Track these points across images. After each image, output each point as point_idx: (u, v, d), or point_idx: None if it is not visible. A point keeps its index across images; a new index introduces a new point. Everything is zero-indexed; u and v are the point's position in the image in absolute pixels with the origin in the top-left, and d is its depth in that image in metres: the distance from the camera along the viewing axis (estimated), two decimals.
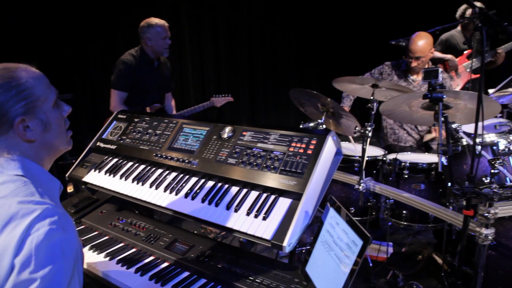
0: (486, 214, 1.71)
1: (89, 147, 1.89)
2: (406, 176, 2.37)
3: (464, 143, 2.23)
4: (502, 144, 2.04)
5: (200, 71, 5.32)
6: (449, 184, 1.96)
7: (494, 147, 2.08)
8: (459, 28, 3.95)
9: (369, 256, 2.73)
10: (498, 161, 1.69)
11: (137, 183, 1.57)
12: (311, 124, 2.39)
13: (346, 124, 2.53)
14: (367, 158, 2.49)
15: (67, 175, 1.84)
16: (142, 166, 1.65)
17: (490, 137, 2.11)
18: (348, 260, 1.03)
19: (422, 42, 2.83)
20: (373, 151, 2.70)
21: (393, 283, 2.44)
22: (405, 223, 2.45)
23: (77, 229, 1.63)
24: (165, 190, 1.48)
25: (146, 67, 2.97)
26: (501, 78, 3.49)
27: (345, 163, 2.59)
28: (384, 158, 2.52)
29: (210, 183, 1.45)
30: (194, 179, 1.49)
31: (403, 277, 2.41)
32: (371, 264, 2.67)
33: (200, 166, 1.49)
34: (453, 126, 1.93)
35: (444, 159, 2.20)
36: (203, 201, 1.38)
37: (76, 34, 4.10)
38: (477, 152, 2.04)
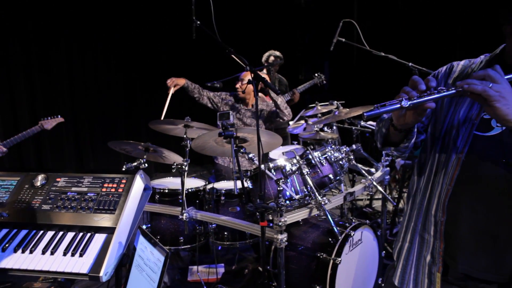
0: (279, 223, 2.18)
1: None
2: (223, 202, 2.74)
3: (263, 168, 2.75)
4: (288, 167, 2.61)
5: (14, 123, 4.86)
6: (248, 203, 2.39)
7: (284, 170, 2.63)
8: (265, 71, 4.74)
9: (202, 280, 2.99)
10: (281, 181, 2.19)
11: None
12: (135, 164, 2.57)
13: (169, 158, 2.80)
14: (189, 190, 2.79)
15: None
16: None
17: (280, 162, 2.67)
18: (155, 276, 1.23)
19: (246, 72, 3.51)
20: (195, 183, 3.01)
21: None
22: (227, 243, 2.79)
23: None
24: None
25: None
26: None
27: (170, 197, 2.82)
28: (204, 188, 2.85)
29: (23, 232, 1.47)
30: (4, 231, 1.47)
31: None
32: (205, 287, 2.93)
33: (11, 217, 1.49)
34: (250, 155, 2.40)
35: (249, 183, 2.67)
36: (15, 251, 1.39)
37: None
38: (272, 175, 2.56)
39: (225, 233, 2.75)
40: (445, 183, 1.25)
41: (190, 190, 2.80)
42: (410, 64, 3.04)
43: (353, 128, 3.95)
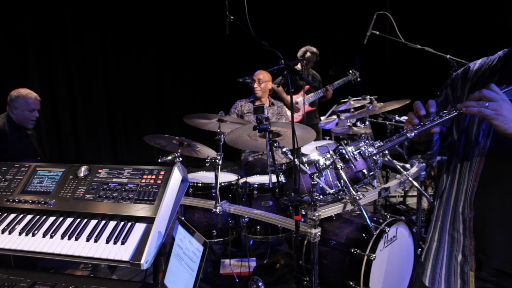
0: (312, 217, 2.17)
1: None
2: (256, 196, 2.75)
3: (297, 162, 2.74)
4: (321, 161, 2.59)
5: (54, 117, 5.09)
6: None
7: (317, 164, 2.61)
8: (299, 66, 4.71)
9: (235, 273, 3.03)
10: (315, 175, 2.17)
11: None
12: (169, 158, 2.63)
13: (203, 152, 2.84)
14: (222, 184, 2.82)
15: None
16: None
17: (313, 156, 2.65)
18: (194, 265, 1.26)
19: (263, 72, 3.59)
20: (227, 177, 3.04)
21: None
22: (260, 237, 2.81)
23: None
24: (20, 234, 1.50)
25: (15, 133, 2.97)
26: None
27: (204, 190, 2.87)
28: (237, 182, 2.88)
29: (69, 220, 1.53)
30: (52, 219, 1.55)
31: (264, 285, 2.75)
32: (237, 280, 2.96)
33: (57, 206, 1.57)
34: (284, 149, 2.39)
35: (282, 177, 2.67)
36: (62, 237, 1.45)
37: None
38: (305, 169, 2.55)
39: (258, 227, 2.76)
40: (470, 179, 1.27)
41: (223, 184, 2.83)
42: (448, 56, 2.94)
43: (387, 123, 3.86)
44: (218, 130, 2.60)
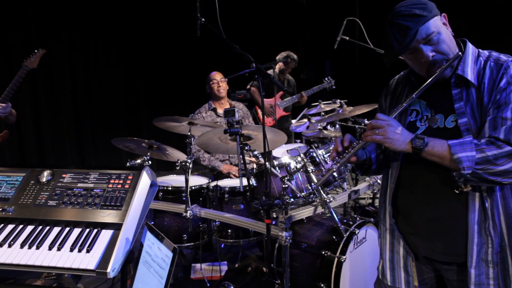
0: (283, 220, 2.17)
1: None
2: (227, 199, 2.73)
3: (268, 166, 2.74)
4: (292, 164, 2.60)
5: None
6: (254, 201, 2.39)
7: (288, 167, 2.62)
8: (277, 70, 4.70)
9: (205, 277, 2.99)
10: (286, 178, 2.18)
11: None
12: (138, 161, 2.57)
13: (174, 155, 2.79)
14: (192, 187, 2.78)
15: None
16: None
17: (284, 159, 2.66)
18: (163, 272, 1.23)
19: (217, 72, 3.55)
20: (198, 180, 3.01)
21: None
22: (231, 240, 2.79)
23: None
24: None
25: None
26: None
27: (174, 194, 2.82)
28: (208, 186, 2.85)
29: (30, 228, 1.46)
30: (10, 227, 1.47)
31: None
32: (208, 284, 2.92)
33: (17, 213, 1.49)
34: (255, 153, 2.39)
35: (253, 181, 2.66)
36: (22, 246, 1.38)
37: None
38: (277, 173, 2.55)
39: (229, 230, 2.74)
40: (391, 182, 1.50)
41: (193, 187, 2.79)
42: None
43: (357, 126, 3.94)
44: (189, 133, 2.57)
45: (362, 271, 2.52)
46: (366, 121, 4.08)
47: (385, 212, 1.55)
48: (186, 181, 2.48)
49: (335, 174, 2.89)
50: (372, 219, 2.61)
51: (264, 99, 4.52)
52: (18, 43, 4.86)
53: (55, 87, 5.27)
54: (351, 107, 3.47)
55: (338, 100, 3.99)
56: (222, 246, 3.46)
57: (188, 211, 2.50)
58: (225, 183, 2.86)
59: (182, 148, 2.77)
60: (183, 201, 2.75)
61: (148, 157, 2.62)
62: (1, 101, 2.86)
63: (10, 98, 2.93)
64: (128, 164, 2.61)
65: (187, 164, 2.45)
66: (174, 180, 3.04)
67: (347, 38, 3.59)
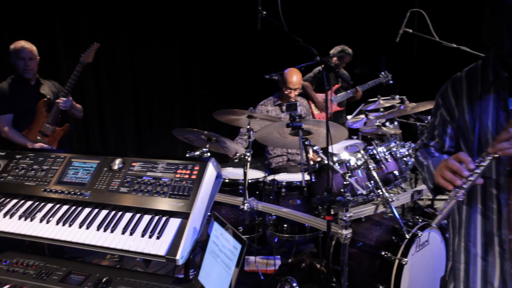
0: (344, 218, 2.12)
1: None
2: (284, 194, 2.71)
3: (326, 162, 2.68)
4: (352, 161, 2.53)
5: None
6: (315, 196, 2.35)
7: (347, 164, 2.55)
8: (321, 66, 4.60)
9: (260, 270, 3.00)
10: (347, 175, 2.12)
11: (25, 220, 1.56)
12: (197, 153, 2.62)
13: (231, 148, 2.82)
14: (249, 180, 2.79)
15: None
16: (29, 203, 1.64)
17: (344, 156, 2.59)
18: (231, 263, 1.24)
19: (298, 76, 3.38)
20: (255, 174, 3.02)
21: None
22: (287, 235, 2.77)
23: None
24: (57, 223, 1.51)
25: (21, 88, 3.04)
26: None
27: (231, 187, 2.84)
28: (265, 180, 2.85)
29: (104, 212, 1.53)
30: (87, 210, 1.55)
31: (298, 285, 2.71)
32: (262, 277, 2.94)
33: (92, 197, 1.57)
34: (315, 148, 2.35)
35: (308, 176, 2.62)
36: (98, 229, 1.46)
37: None
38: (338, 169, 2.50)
39: (285, 225, 2.73)
40: (502, 198, 1.23)
41: (250, 181, 2.81)
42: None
43: (418, 123, 3.75)
44: (248, 127, 2.57)
45: (424, 276, 2.41)
46: (429, 118, 3.87)
47: (487, 236, 1.29)
48: (245, 174, 2.49)
49: (396, 172, 2.78)
50: None
51: (317, 94, 4.44)
52: (85, 29, 5.13)
53: (116, 78, 5.53)
54: (414, 103, 3.31)
55: (397, 96, 3.83)
56: (276, 240, 3.46)
57: (246, 204, 2.51)
58: (282, 177, 2.84)
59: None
60: (239, 194, 2.77)
61: (207, 149, 2.66)
62: (62, 96, 3.05)
63: (70, 92, 3.10)
64: (187, 155, 2.67)
65: (246, 157, 2.46)
66: (230, 173, 3.07)
67: (411, 30, 3.42)
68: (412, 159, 3.05)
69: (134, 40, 5.69)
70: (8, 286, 1.47)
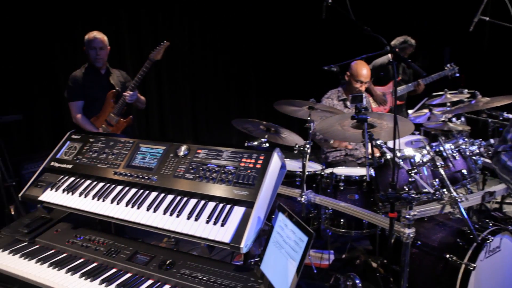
0: (407, 216, 2.02)
1: (42, 167, 1.91)
2: (342, 188, 2.65)
3: (388, 157, 2.57)
4: (418, 157, 2.40)
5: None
6: (377, 192, 2.26)
7: (412, 160, 2.42)
8: (390, 56, 4.41)
9: (313, 264, 2.97)
10: (413, 171, 2.01)
11: (98, 200, 1.65)
12: (255, 143, 2.63)
13: (289, 139, 2.79)
14: (307, 173, 2.75)
15: (20, 195, 1.85)
16: (101, 184, 1.73)
17: (408, 151, 2.46)
18: (296, 255, 1.22)
19: (367, 69, 3.29)
20: (312, 166, 2.97)
21: (335, 286, 2.68)
22: (343, 230, 2.71)
23: (31, 249, 1.67)
24: (126, 205, 1.58)
25: (92, 76, 3.21)
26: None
27: (288, 178, 2.83)
28: (322, 173, 2.79)
29: (170, 197, 1.58)
30: (154, 194, 1.61)
31: (361, 283, 2.65)
32: (315, 271, 2.90)
33: (159, 182, 1.62)
34: (378, 142, 2.25)
35: (372, 171, 2.53)
36: (164, 213, 1.50)
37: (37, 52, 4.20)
38: (399, 164, 2.38)
39: (341, 220, 2.67)
40: None
41: (307, 173, 2.77)
42: None
43: (490, 120, 3.47)
44: (308, 118, 2.53)
45: (494, 285, 2.24)
46: (505, 114, 3.57)
47: None
48: (303, 166, 2.46)
49: (464, 171, 2.61)
50: (510, 227, 2.29)
51: (376, 87, 4.26)
52: (148, 23, 5.31)
53: (175, 66, 5.69)
54: (488, 98, 3.06)
55: (466, 90, 3.57)
56: (330, 234, 3.40)
57: (303, 196, 2.48)
58: (340, 171, 2.77)
59: (299, 133, 2.76)
60: (296, 185, 2.74)
61: (266, 139, 2.66)
62: (130, 89, 3.17)
63: (137, 87, 3.22)
64: (246, 145, 2.69)
65: (306, 149, 2.42)
66: (288, 164, 3.05)
67: (487, 18, 3.16)
68: (482, 158, 2.84)
69: (193, 34, 5.81)
70: (82, 260, 1.58)
